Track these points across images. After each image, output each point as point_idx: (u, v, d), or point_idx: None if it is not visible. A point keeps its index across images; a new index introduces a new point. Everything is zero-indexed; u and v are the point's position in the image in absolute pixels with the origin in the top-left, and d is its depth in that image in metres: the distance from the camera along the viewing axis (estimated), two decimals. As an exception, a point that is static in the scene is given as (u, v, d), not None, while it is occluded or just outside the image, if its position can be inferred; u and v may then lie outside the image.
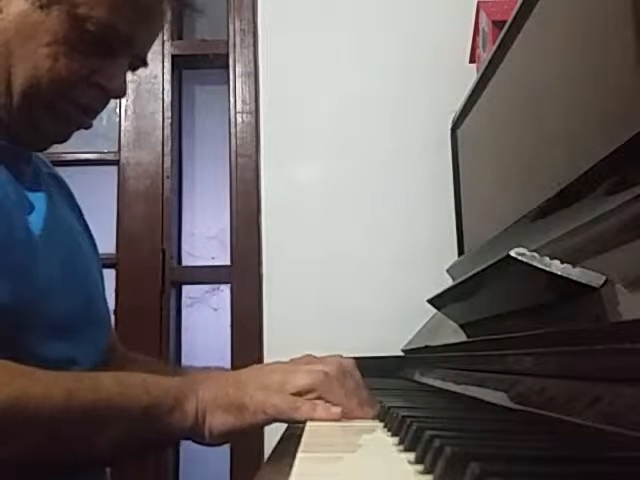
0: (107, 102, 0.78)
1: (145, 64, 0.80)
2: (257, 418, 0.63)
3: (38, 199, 0.76)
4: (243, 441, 1.58)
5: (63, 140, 0.78)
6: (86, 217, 0.92)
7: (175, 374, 0.76)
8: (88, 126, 0.78)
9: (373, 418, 0.65)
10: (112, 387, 0.61)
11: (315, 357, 0.72)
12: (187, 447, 1.82)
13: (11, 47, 0.69)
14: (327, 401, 0.64)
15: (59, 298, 0.72)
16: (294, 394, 0.64)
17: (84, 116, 0.76)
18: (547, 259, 0.51)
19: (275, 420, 0.64)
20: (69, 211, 0.85)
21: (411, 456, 0.41)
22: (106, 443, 0.59)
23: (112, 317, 0.96)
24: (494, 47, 1.02)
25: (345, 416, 0.64)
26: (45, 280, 0.70)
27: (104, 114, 1.97)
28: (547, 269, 0.50)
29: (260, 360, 1.58)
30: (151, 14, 0.76)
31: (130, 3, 0.72)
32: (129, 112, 1.80)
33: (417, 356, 1.26)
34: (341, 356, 0.73)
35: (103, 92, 0.75)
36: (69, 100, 0.73)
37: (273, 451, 0.56)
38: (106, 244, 1.75)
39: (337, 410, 0.63)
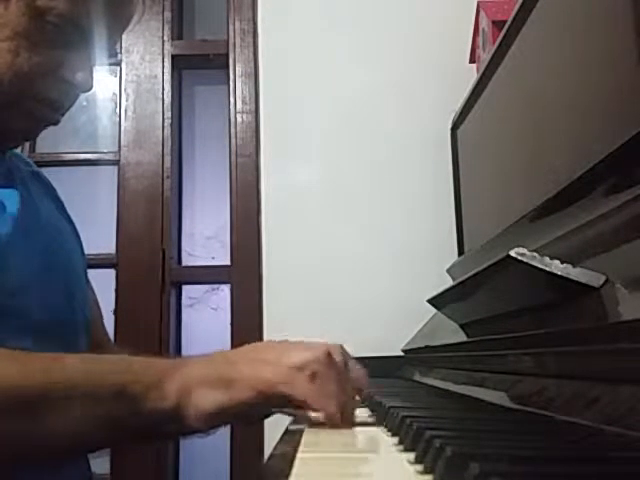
0: (75, 97, 0.76)
1: (115, 55, 0.79)
2: (245, 394, 0.57)
3: (10, 196, 0.74)
4: (243, 440, 1.59)
5: (31, 138, 0.77)
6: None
7: None
8: (56, 122, 0.76)
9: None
10: (82, 365, 0.58)
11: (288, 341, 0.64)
12: (187, 447, 1.82)
13: None
14: (321, 382, 0.58)
15: (34, 296, 0.70)
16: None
17: (51, 112, 0.74)
18: (547, 259, 0.51)
19: (265, 397, 0.57)
20: (51, 210, 0.83)
21: (411, 456, 0.41)
22: (81, 423, 0.55)
23: (103, 317, 0.94)
24: (494, 47, 1.02)
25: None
26: (18, 278, 0.68)
27: (104, 114, 1.98)
28: (547, 269, 0.50)
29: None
30: (116, 5, 0.73)
31: None
32: (129, 112, 1.80)
33: (417, 356, 1.26)
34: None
35: (70, 86, 0.73)
36: (33, 96, 0.71)
37: (273, 451, 0.56)
38: (106, 244, 1.75)
39: (333, 410, 0.58)
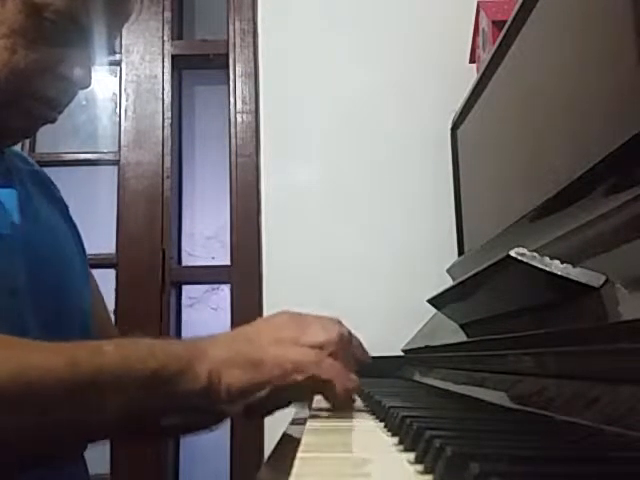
0: (74, 94, 0.75)
1: (114, 52, 0.78)
2: (275, 372, 0.60)
3: (8, 196, 0.73)
4: (243, 440, 1.59)
5: (29, 135, 0.77)
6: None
7: None
8: (53, 120, 0.75)
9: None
10: (116, 352, 0.57)
11: (291, 312, 0.69)
12: (187, 446, 1.82)
13: None
14: (340, 360, 0.63)
15: (31, 297, 0.70)
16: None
17: (49, 110, 0.73)
18: (547, 259, 0.51)
19: (292, 376, 0.61)
20: (51, 209, 0.82)
21: (411, 456, 0.41)
22: (114, 411, 0.55)
23: (111, 318, 0.95)
24: (494, 47, 1.02)
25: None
26: (15, 279, 0.68)
27: (104, 114, 1.98)
28: (547, 269, 0.50)
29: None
30: (114, 2, 0.73)
31: None
32: (129, 112, 1.80)
33: (417, 356, 1.26)
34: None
35: (68, 83, 0.72)
36: (31, 95, 0.70)
37: (273, 451, 0.56)
38: (106, 244, 1.75)
39: (355, 378, 0.63)
